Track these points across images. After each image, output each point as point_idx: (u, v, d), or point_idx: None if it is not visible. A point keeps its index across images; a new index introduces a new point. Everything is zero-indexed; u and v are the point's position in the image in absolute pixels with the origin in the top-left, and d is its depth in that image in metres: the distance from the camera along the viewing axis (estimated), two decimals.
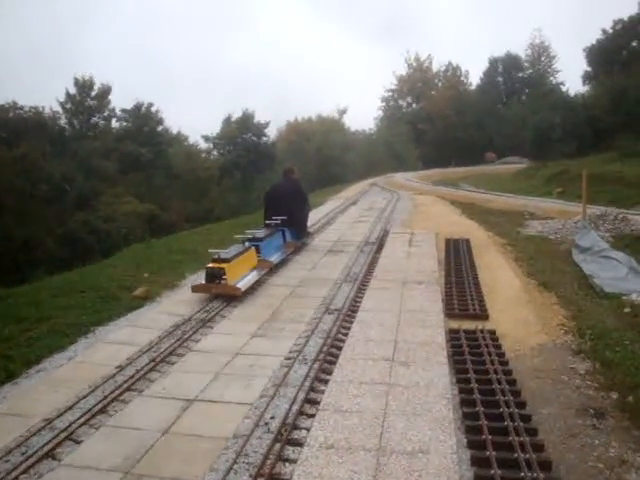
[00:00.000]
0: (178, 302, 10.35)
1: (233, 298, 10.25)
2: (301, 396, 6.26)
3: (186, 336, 8.36)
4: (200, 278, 12.33)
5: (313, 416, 5.76)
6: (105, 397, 6.24)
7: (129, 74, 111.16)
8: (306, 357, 7.42)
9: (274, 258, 12.84)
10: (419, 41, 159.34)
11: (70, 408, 6.00)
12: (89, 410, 5.95)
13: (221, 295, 10.42)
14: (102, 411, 5.98)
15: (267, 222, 14.36)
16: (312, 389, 6.48)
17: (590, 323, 8.83)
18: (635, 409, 5.96)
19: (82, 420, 5.71)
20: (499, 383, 6.40)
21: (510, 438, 5.26)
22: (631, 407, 6.01)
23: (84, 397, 6.25)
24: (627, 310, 9.68)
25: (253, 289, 11.03)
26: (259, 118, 65.77)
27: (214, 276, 10.54)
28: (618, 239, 15.61)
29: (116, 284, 11.89)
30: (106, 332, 8.91)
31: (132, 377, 6.84)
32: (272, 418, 5.81)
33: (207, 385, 6.65)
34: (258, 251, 12.29)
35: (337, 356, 7.35)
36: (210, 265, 10.79)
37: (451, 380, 6.60)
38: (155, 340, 8.25)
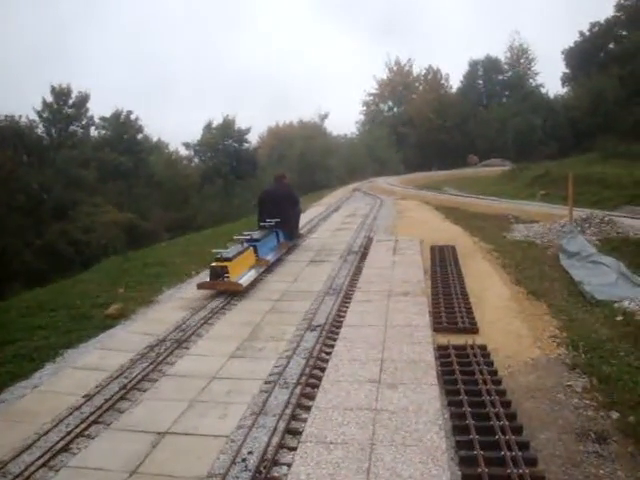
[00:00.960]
0: (153, 321, 9.84)
1: (232, 295, 10.45)
2: (282, 426, 5.80)
3: (160, 359, 7.86)
4: (178, 292, 12.03)
5: (295, 449, 5.30)
6: (69, 432, 5.73)
7: (121, 77, 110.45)
8: (287, 380, 6.96)
9: (270, 257, 13.77)
10: (400, 45, 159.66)
11: (29, 447, 5.47)
12: (50, 449, 5.43)
13: (224, 291, 11.24)
14: (64, 449, 5.46)
15: (262, 224, 15.19)
16: (294, 417, 6.03)
17: (583, 334, 8.52)
18: (638, 431, 5.61)
19: (40, 462, 5.18)
20: (493, 406, 6.01)
21: (508, 470, 4.86)
22: (633, 429, 5.65)
23: (45, 433, 5.72)
24: (619, 318, 9.40)
25: (231, 305, 10.57)
26: (240, 124, 65.30)
27: (218, 274, 11.39)
28: (605, 242, 15.41)
29: (89, 301, 11.41)
30: (75, 356, 8.39)
31: (100, 408, 6.32)
32: (250, 453, 5.34)
33: (181, 415, 6.17)
34: (255, 251, 13.23)
35: (320, 378, 6.90)
36: (214, 264, 11.65)
37: (442, 403, 6.18)
38: (127, 364, 7.74)
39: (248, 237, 13.69)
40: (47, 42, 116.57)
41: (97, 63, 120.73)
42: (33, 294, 12.88)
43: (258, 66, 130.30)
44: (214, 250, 12.51)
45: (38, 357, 8.24)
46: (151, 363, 7.71)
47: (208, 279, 11.56)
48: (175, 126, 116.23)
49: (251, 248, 13.11)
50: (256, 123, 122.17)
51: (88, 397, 6.64)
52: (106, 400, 6.54)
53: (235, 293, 11.15)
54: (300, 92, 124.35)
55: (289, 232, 15.83)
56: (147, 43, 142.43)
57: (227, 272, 11.37)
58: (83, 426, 5.86)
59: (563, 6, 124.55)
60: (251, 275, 12.15)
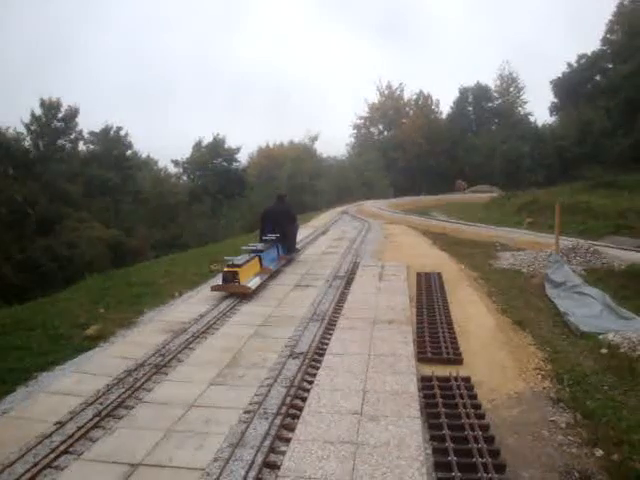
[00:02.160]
0: (132, 343, 9.59)
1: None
2: (259, 459, 5.62)
3: (138, 384, 7.63)
4: (160, 315, 11.83)
5: None
6: (36, 464, 5.49)
7: (114, 87, 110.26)
8: (267, 410, 6.76)
9: (272, 266, 15.43)
10: (391, 70, 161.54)
11: None
12: None
13: (235, 293, 12.79)
14: None
15: (264, 238, 16.68)
16: (272, 450, 5.85)
17: (567, 366, 8.47)
18: (621, 470, 5.50)
19: None
20: (476, 441, 5.88)
21: None
22: (617, 468, 5.55)
23: (11, 464, 5.47)
24: (604, 351, 9.35)
25: (213, 329, 10.38)
26: (230, 143, 65.49)
27: (229, 278, 12.91)
28: (590, 272, 15.45)
29: (68, 321, 11.14)
30: (50, 379, 8.13)
31: (71, 436, 6.10)
32: None
33: (156, 445, 5.96)
34: (260, 260, 14.79)
35: (301, 408, 6.73)
36: (226, 269, 13.13)
37: (424, 437, 6.04)
38: (103, 389, 7.51)
39: (254, 248, 15.29)
40: (37, 52, 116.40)
41: (94, 67, 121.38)
42: (10, 312, 12.56)
43: (256, 76, 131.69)
44: (226, 257, 14.29)
45: (10, 380, 7.97)
46: (128, 389, 7.48)
47: (220, 282, 13.12)
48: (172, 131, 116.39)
49: (257, 257, 14.72)
50: (251, 135, 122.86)
51: (60, 424, 6.40)
52: (79, 428, 6.31)
53: (244, 295, 12.75)
54: (296, 104, 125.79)
55: (287, 246, 17.48)
56: (144, 47, 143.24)
57: (237, 277, 12.88)
58: (52, 456, 5.63)
59: (552, 37, 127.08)
60: (257, 281, 13.68)
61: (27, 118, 48.37)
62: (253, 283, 13.37)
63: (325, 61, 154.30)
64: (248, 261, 13.98)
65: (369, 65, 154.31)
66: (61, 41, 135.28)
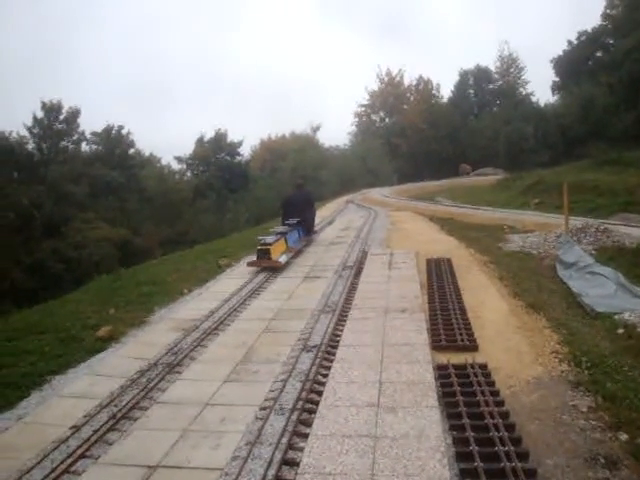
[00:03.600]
0: (144, 343, 9.56)
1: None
2: (278, 457, 5.55)
3: (151, 385, 7.59)
4: (170, 312, 11.80)
5: None
6: (54, 469, 5.45)
7: (115, 87, 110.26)
8: (283, 406, 6.70)
9: (296, 246, 17.62)
10: (391, 55, 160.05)
11: None
12: None
13: (268, 267, 14.82)
14: None
15: (286, 222, 18.71)
16: (290, 446, 5.78)
17: (585, 348, 8.31)
18: None
19: None
20: (497, 429, 5.78)
21: None
22: None
23: (28, 471, 5.44)
24: (620, 331, 9.23)
25: (224, 324, 10.33)
26: (232, 136, 65.30)
27: (263, 255, 15.03)
28: (601, 252, 15.26)
29: (79, 323, 11.12)
30: (64, 382, 8.11)
31: (87, 440, 6.05)
32: None
33: (172, 446, 5.91)
34: (285, 241, 16.83)
35: (317, 403, 6.66)
36: (259, 247, 15.26)
37: (444, 427, 5.95)
38: (117, 391, 7.47)
39: (280, 231, 17.34)
40: (38, 57, 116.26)
41: (94, 67, 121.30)
42: (21, 315, 12.58)
43: (257, 71, 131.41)
44: (258, 237, 16.51)
45: (24, 385, 7.95)
46: (142, 390, 7.45)
47: (255, 258, 15.26)
48: (174, 130, 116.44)
49: (283, 238, 16.69)
50: (253, 129, 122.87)
51: (75, 428, 6.37)
52: (94, 431, 6.27)
53: (275, 269, 14.79)
54: (297, 99, 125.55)
55: (307, 229, 19.75)
56: (144, 46, 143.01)
57: (270, 253, 14.98)
58: (69, 461, 5.60)
59: (552, 15, 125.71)
60: (285, 257, 15.77)
61: (29, 121, 48.34)
62: (282, 259, 15.47)
63: (325, 53, 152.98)
64: (277, 240, 16.05)
65: (369, 55, 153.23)
66: (61, 42, 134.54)
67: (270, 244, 15.28)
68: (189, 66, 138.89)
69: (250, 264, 15.17)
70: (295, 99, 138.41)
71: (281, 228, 17.95)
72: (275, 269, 14.74)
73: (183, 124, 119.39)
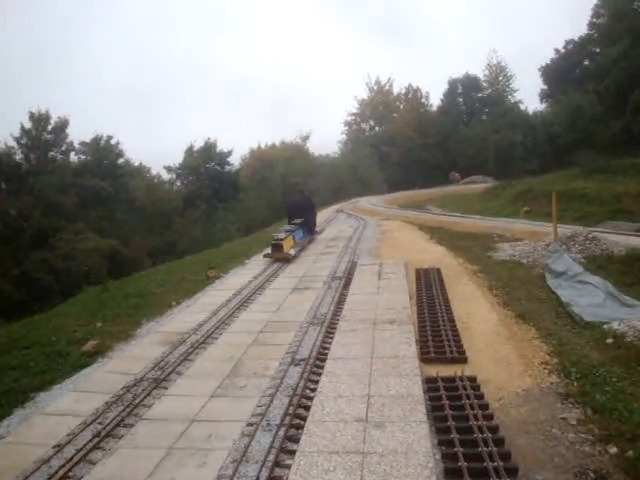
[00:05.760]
0: (131, 358, 9.43)
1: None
2: (264, 475, 5.46)
3: (137, 401, 7.47)
4: (157, 326, 11.70)
5: None
6: None
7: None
8: (270, 422, 6.61)
9: (301, 242, 20.77)
10: (380, 64, 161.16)
11: None
12: None
13: (280, 259, 17.87)
14: None
15: (292, 222, 21.86)
16: (277, 464, 5.69)
17: (574, 359, 8.30)
18: (638, 468, 5.35)
19: None
20: (485, 444, 5.72)
21: None
22: (633, 465, 5.40)
23: None
24: (610, 341, 9.20)
25: (212, 337, 10.24)
26: (222, 146, 65.21)
27: (276, 248, 18.20)
28: (590, 260, 15.27)
29: (65, 337, 10.99)
30: (48, 399, 7.96)
31: (70, 460, 5.93)
32: None
33: (157, 465, 5.80)
34: (293, 237, 19.93)
35: (305, 418, 6.58)
36: (273, 242, 18.50)
37: (432, 442, 5.88)
38: (102, 408, 7.34)
39: (288, 229, 20.52)
40: (26, 64, 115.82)
41: (81, 76, 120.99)
42: (6, 330, 12.44)
43: (250, 78, 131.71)
44: (273, 234, 20.27)
45: (7, 402, 7.81)
46: (127, 406, 7.32)
47: (270, 252, 18.34)
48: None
49: (291, 235, 19.74)
50: (246, 136, 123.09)
51: (58, 448, 6.24)
52: (77, 450, 6.15)
53: (287, 260, 17.77)
54: (289, 107, 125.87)
55: (309, 228, 22.97)
56: (137, 53, 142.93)
57: (282, 247, 18.24)
58: None
59: (541, 23, 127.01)
60: (293, 251, 18.93)
61: (17, 132, 47.99)
62: (292, 252, 18.63)
63: (317, 62, 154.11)
64: (287, 237, 19.09)
65: (359, 64, 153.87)
66: (50, 50, 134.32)
67: (282, 239, 18.46)
68: (181, 74, 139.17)
69: (266, 256, 18.30)
70: (287, 108, 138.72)
71: (288, 227, 21.08)
72: (286, 260, 17.74)
73: (173, 133, 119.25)
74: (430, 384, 7.40)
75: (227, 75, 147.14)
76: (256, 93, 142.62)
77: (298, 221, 21.87)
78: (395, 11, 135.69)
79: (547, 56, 70.03)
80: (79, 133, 54.50)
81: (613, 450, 5.74)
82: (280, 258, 17.77)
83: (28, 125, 48.55)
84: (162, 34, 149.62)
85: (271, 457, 5.80)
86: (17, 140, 47.93)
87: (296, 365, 8.46)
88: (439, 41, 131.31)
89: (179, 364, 8.87)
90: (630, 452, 5.62)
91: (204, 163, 64.54)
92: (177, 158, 66.16)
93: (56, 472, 5.69)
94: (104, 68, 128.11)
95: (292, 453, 5.83)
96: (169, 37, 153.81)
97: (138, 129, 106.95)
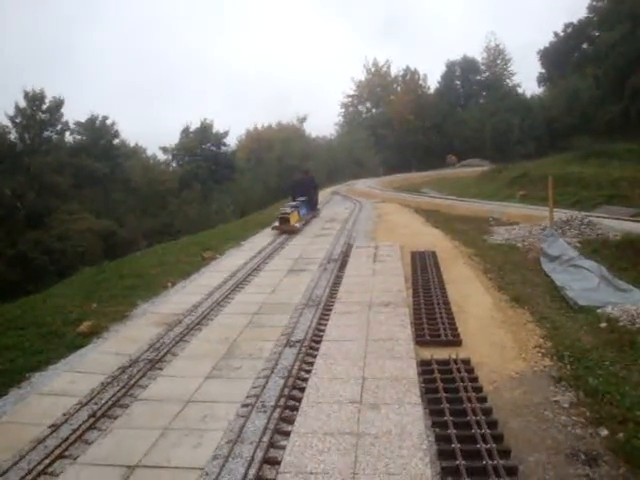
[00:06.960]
0: (126, 339, 9.43)
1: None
2: (259, 455, 5.50)
3: (132, 381, 7.49)
4: (153, 306, 11.70)
5: None
6: (30, 470, 5.34)
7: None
8: (265, 403, 6.64)
9: (305, 217, 22.68)
10: (379, 46, 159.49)
11: None
12: None
13: (287, 231, 19.75)
14: None
15: (296, 200, 23.29)
16: (272, 444, 5.73)
17: (567, 343, 8.35)
18: (627, 450, 5.41)
19: None
20: (479, 426, 5.77)
21: None
22: (623, 447, 5.46)
23: (3, 473, 5.33)
24: (603, 325, 9.26)
25: (207, 319, 10.26)
26: (218, 127, 64.78)
27: (283, 221, 20.16)
28: (585, 244, 15.30)
29: (60, 318, 10.92)
30: (43, 379, 7.97)
31: (66, 440, 5.95)
32: None
33: (153, 445, 5.83)
34: (298, 212, 21.74)
35: (300, 399, 6.62)
36: (280, 216, 20.37)
37: (426, 424, 5.93)
38: (97, 388, 7.37)
39: (293, 205, 22.00)
40: (27, 52, 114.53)
41: (80, 62, 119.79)
42: (1, 310, 12.34)
43: (249, 65, 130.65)
44: (280, 208, 21.80)
45: (2, 382, 7.78)
46: (123, 387, 7.34)
47: (278, 224, 20.30)
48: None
49: (296, 210, 21.48)
50: (244, 122, 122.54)
51: (54, 428, 6.26)
52: (73, 430, 6.17)
53: (293, 232, 19.72)
54: (287, 90, 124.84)
55: (312, 206, 24.94)
56: (136, 46, 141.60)
57: (289, 220, 20.18)
58: (47, 462, 5.49)
59: (540, 7, 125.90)
60: (298, 225, 20.74)
61: (11, 111, 47.58)
62: (298, 226, 20.43)
63: (314, 45, 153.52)
64: (293, 211, 20.84)
65: (357, 46, 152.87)
66: (49, 40, 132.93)
67: (289, 213, 20.28)
68: (181, 65, 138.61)
69: (274, 228, 20.21)
70: (285, 91, 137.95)
71: (293, 203, 22.51)
72: (293, 232, 19.66)
73: (173, 117, 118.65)
74: (425, 367, 7.44)
75: (226, 63, 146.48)
76: (255, 87, 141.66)
77: (302, 199, 23.44)
78: None
79: (547, 39, 69.69)
80: (77, 117, 53.95)
81: (604, 432, 5.80)
82: (287, 230, 19.59)
83: (23, 104, 48.20)
84: (161, 25, 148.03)
85: (266, 438, 5.83)
86: (12, 119, 47.66)
87: (291, 347, 8.49)
88: (438, 24, 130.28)
89: (174, 345, 8.89)
90: (621, 434, 5.68)
91: (200, 144, 64.13)
92: (173, 139, 65.88)
93: (52, 451, 5.71)
94: (104, 59, 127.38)
95: (287, 434, 5.87)
96: (168, 29, 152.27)
97: (136, 117, 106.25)
